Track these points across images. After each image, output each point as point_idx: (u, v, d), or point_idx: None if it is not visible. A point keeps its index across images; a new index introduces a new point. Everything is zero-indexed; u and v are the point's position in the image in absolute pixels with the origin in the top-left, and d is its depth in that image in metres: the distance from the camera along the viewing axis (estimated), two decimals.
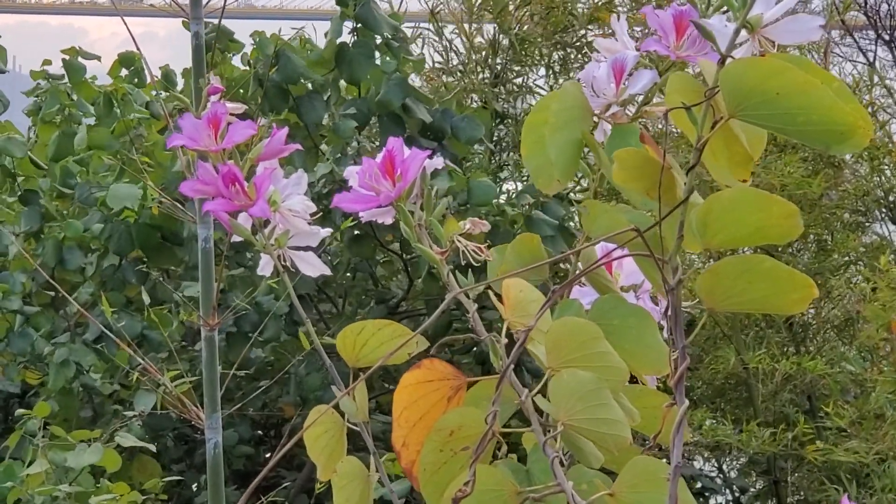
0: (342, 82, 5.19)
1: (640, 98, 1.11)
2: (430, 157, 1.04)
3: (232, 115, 1.21)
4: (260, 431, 5.52)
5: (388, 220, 1.05)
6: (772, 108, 0.87)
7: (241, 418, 5.09)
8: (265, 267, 1.22)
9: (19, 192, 5.19)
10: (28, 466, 3.50)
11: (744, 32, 0.93)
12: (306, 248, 1.23)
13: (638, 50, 1.09)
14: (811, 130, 0.87)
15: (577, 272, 1.13)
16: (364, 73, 4.98)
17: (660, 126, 1.11)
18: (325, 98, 5.09)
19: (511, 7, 6.02)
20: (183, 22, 2.87)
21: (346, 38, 5.10)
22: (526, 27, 6.09)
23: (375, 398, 5.11)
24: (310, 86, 5.07)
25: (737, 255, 0.93)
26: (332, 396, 1.18)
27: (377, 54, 5.08)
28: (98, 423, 4.60)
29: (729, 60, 0.90)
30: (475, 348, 4.98)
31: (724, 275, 0.92)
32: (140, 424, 4.20)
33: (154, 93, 5.16)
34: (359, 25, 5.01)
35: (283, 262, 1.21)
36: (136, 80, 5.47)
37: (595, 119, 1.10)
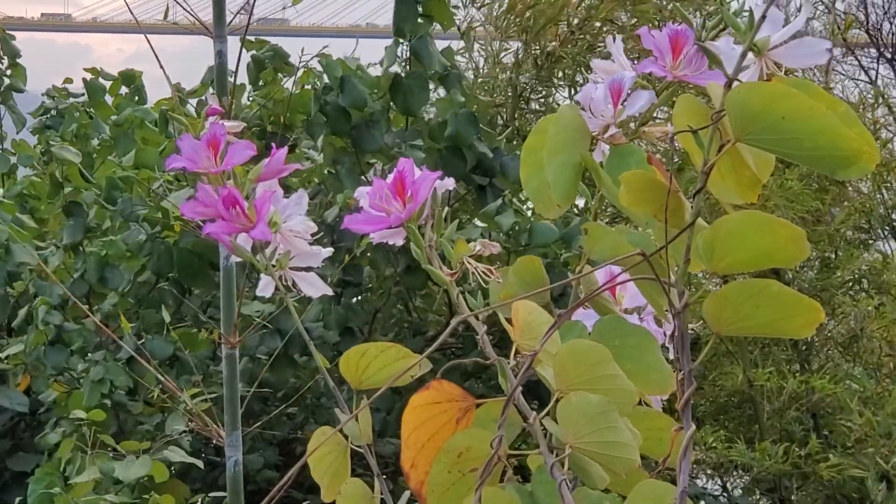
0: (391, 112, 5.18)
1: (638, 118, 1.11)
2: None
3: (231, 134, 1.21)
4: (281, 456, 5.51)
5: (399, 242, 1.05)
6: (777, 132, 0.88)
7: (266, 443, 5.08)
8: (265, 288, 1.22)
9: (63, 204, 5.17)
10: (77, 475, 3.53)
11: (750, 55, 0.93)
12: (307, 269, 1.22)
13: (635, 71, 1.09)
14: (817, 155, 0.87)
15: (581, 294, 1.13)
16: (418, 104, 4.96)
17: (661, 147, 1.11)
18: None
19: (539, 26, 5.99)
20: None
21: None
22: (554, 44, 6.06)
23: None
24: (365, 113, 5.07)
25: (743, 278, 0.93)
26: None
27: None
28: (121, 442, 4.60)
29: (735, 84, 0.91)
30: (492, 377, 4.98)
31: (730, 299, 0.92)
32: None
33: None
34: (412, 57, 5.01)
35: (284, 283, 1.21)
36: (136, 97, 5.49)
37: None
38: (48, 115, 5.47)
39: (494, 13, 6.07)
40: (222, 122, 1.19)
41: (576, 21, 5.93)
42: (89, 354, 4.77)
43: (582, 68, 6.09)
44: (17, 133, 5.64)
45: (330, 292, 1.22)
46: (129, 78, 5.50)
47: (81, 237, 5.05)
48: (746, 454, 4.76)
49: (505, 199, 4.81)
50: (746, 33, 0.92)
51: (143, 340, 4.56)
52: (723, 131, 0.91)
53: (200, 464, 3.87)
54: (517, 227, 4.71)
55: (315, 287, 1.20)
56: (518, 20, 6.01)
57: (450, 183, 1.05)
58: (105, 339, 4.88)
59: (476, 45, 6.21)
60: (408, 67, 5.02)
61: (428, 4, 4.94)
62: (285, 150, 1.19)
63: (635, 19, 5.91)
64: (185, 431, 4.19)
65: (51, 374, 4.94)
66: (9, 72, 5.60)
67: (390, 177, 1.03)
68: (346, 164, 4.99)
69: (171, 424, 4.30)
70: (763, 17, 0.91)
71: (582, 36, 5.98)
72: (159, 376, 2.56)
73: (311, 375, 4.95)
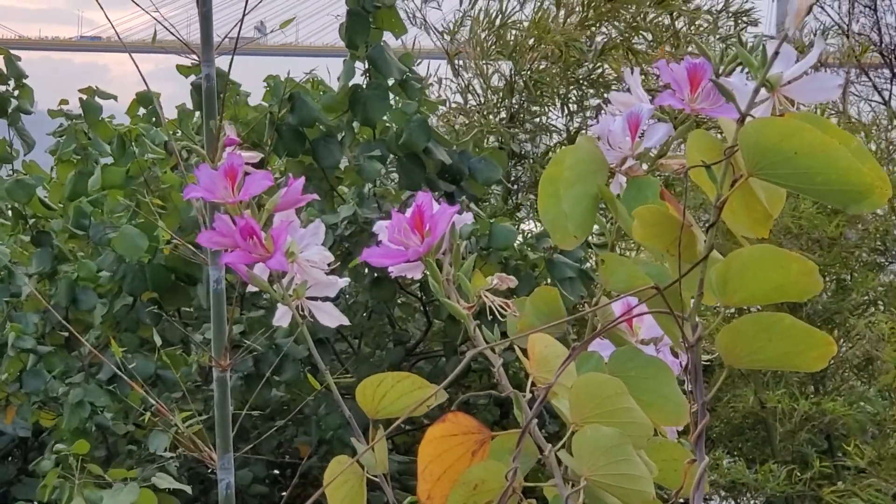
0: (355, 123, 5.19)
1: (656, 151, 1.12)
2: (450, 198, 1.05)
3: (248, 164, 1.22)
4: (276, 471, 5.52)
5: (417, 275, 1.06)
6: (790, 167, 0.88)
7: (255, 458, 5.10)
8: (282, 318, 1.22)
9: (31, 233, 5.19)
10: None
11: (764, 90, 0.94)
12: (324, 299, 1.23)
13: (653, 103, 1.09)
14: (829, 190, 0.88)
15: (597, 325, 1.14)
16: (378, 114, 4.98)
17: (674, 178, 1.12)
18: (340, 140, 5.10)
19: (526, 48, 6.04)
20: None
21: (358, 79, 5.12)
22: (542, 66, 6.11)
23: (391, 438, 5.11)
24: (322, 129, 5.08)
25: (756, 312, 0.94)
26: (351, 434, 1.19)
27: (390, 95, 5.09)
28: (112, 463, 4.60)
29: (748, 119, 0.91)
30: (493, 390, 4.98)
31: (743, 332, 0.93)
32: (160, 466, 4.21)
33: (172, 132, 5.19)
34: (370, 67, 5.03)
35: (300, 312, 1.21)
36: (154, 119, 5.50)
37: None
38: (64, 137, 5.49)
39: (477, 34, 6.12)
40: (240, 153, 1.20)
41: (560, 38, 5.98)
42: (70, 378, 4.78)
43: (569, 85, 6.13)
44: (26, 155, 5.64)
45: (346, 321, 1.22)
46: (147, 99, 5.51)
47: (51, 265, 5.06)
48: (748, 475, 4.76)
49: (462, 205, 4.83)
50: (759, 69, 0.93)
51: (133, 364, 4.56)
52: (735, 166, 0.92)
53: (188, 489, 3.87)
54: (477, 232, 4.74)
55: (331, 316, 1.21)
56: (500, 42, 6.05)
57: (468, 217, 1.06)
58: (86, 361, 4.89)
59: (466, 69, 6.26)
60: (368, 79, 5.04)
61: (378, 15, 4.97)
62: (302, 180, 1.20)
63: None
64: (173, 456, 4.19)
65: (35, 401, 4.95)
66: (16, 93, 5.61)
67: (409, 210, 1.04)
68: (313, 181, 5.01)
69: (153, 443, 4.31)
70: (776, 53, 0.92)
71: (568, 54, 6.02)
72: (153, 399, 2.57)
73: (301, 389, 4.97)
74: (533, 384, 1.00)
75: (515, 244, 4.83)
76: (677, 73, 1.03)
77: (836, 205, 0.89)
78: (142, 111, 5.65)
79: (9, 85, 5.60)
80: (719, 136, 1.00)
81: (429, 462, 0.98)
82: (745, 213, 0.94)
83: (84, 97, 5.48)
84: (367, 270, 4.78)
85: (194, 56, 2.20)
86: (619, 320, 1.04)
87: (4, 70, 5.56)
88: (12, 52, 5.70)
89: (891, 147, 5.72)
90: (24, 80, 5.60)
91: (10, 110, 5.55)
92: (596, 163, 1.07)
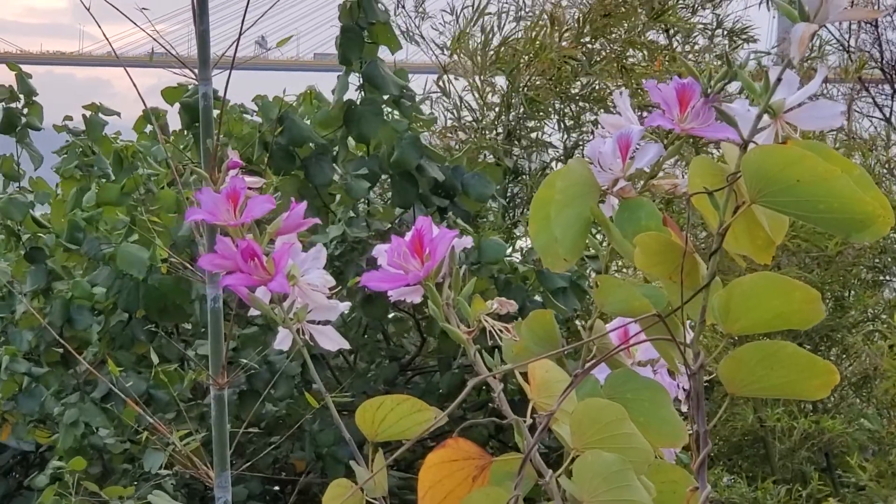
0: (349, 139, 5.19)
1: (647, 171, 1.11)
2: (443, 214, 1.04)
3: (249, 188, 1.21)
4: (276, 487, 5.50)
5: (417, 299, 1.06)
6: (792, 195, 0.88)
7: (251, 470, 5.09)
8: (283, 341, 1.21)
9: (24, 251, 5.18)
10: None
11: (766, 117, 0.94)
12: (325, 322, 1.22)
13: (643, 124, 1.09)
14: (831, 218, 0.88)
15: (594, 349, 1.13)
16: (373, 130, 4.96)
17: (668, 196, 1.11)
18: (333, 156, 5.09)
19: (522, 64, 6.04)
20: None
21: (352, 94, 5.10)
22: (538, 81, 6.12)
23: (391, 453, 5.10)
24: (314, 146, 5.06)
25: (758, 340, 0.94)
26: (346, 452, 1.18)
27: (385, 110, 5.08)
28: (107, 480, 4.58)
29: (751, 146, 0.91)
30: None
31: (745, 360, 0.93)
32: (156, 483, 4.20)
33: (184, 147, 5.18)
34: (365, 83, 5.02)
35: (301, 336, 1.21)
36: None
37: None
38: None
39: (472, 48, 6.12)
40: (242, 176, 1.20)
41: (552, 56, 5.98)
42: (65, 398, 4.76)
43: (566, 100, 6.14)
44: (35, 170, 5.66)
45: (347, 345, 1.22)
46: (154, 115, 5.51)
47: (46, 282, 5.05)
48: (747, 494, 4.75)
49: (449, 221, 4.82)
50: (762, 96, 0.92)
51: (130, 383, 4.54)
52: (738, 193, 0.92)
53: None
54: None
55: (333, 340, 1.21)
56: (498, 57, 6.06)
57: (468, 241, 1.06)
58: (82, 379, 4.88)
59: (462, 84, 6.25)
60: (362, 94, 5.02)
61: (373, 31, 4.96)
62: (304, 204, 1.20)
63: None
64: (169, 474, 4.18)
65: (30, 419, 4.94)
66: (25, 110, 5.61)
67: (408, 234, 1.03)
68: (307, 198, 5.00)
69: (148, 461, 4.30)
70: (779, 79, 0.92)
71: (565, 66, 6.03)
72: (149, 417, 2.57)
73: (297, 404, 4.96)
74: (533, 410, 0.99)
75: (506, 259, 4.83)
76: (666, 94, 1.03)
77: (838, 233, 0.89)
78: (148, 128, 5.64)
79: (19, 101, 5.61)
80: (716, 153, 1.00)
81: (429, 488, 0.98)
82: (747, 240, 0.94)
83: (87, 113, 5.49)
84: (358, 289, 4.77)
85: (191, 73, 2.21)
86: (621, 347, 1.04)
87: (15, 86, 5.57)
88: None
89: (891, 164, 5.72)
90: (34, 97, 5.61)
91: (19, 127, 5.56)
92: (587, 185, 1.07)
